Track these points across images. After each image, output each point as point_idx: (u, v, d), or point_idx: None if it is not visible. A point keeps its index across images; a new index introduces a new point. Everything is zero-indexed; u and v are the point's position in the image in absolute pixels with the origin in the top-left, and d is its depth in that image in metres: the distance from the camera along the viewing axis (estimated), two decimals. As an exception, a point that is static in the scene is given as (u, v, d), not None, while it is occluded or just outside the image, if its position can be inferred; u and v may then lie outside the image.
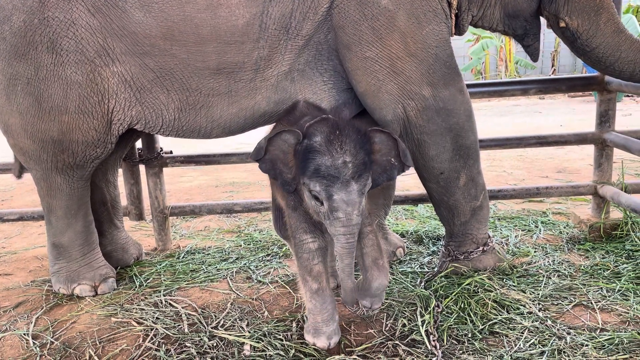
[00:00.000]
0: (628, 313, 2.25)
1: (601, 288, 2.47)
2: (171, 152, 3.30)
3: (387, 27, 2.31)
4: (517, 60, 13.31)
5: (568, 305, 2.34)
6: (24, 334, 2.32)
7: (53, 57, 2.33)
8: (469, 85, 2.95)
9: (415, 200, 3.32)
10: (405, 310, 2.34)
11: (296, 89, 2.45)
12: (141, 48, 2.33)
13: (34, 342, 2.25)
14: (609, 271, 2.64)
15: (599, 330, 2.14)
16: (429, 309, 2.29)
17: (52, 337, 2.28)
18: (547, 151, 5.75)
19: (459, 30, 2.56)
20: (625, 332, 2.10)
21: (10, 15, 2.31)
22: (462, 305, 2.32)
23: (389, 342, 2.12)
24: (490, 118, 9.22)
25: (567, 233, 3.21)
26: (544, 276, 2.61)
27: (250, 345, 2.12)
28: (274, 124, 2.46)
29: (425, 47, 2.35)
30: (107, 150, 2.54)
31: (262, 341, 2.13)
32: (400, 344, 2.10)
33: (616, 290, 2.44)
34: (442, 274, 2.61)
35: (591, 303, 2.34)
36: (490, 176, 4.82)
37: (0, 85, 2.42)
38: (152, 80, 2.39)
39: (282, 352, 2.06)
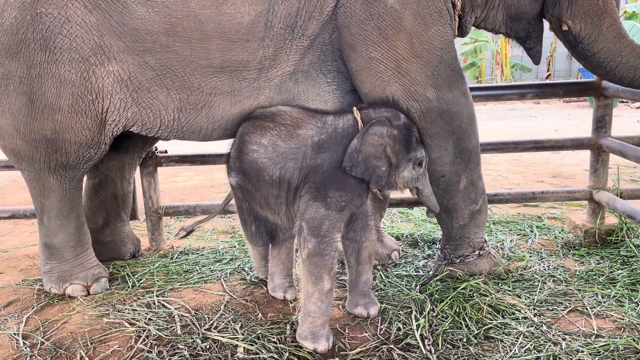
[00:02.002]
0: (623, 319, 2.24)
1: (596, 294, 2.47)
2: (166, 152, 3.28)
3: (394, 27, 2.30)
4: (513, 64, 13.35)
5: (563, 310, 2.33)
6: (14, 334, 2.29)
7: (46, 55, 2.29)
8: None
9: (411, 203, 3.30)
10: (400, 314, 2.32)
11: (299, 90, 2.43)
12: (142, 45, 2.29)
13: (24, 342, 2.22)
14: (604, 277, 2.63)
15: (594, 336, 2.13)
16: (424, 313, 2.28)
17: (42, 337, 2.25)
18: (543, 156, 5.76)
19: (462, 32, 2.56)
20: (620, 338, 2.09)
21: (1, 11, 2.27)
22: (457, 310, 2.31)
23: (383, 346, 2.10)
24: (487, 122, 9.21)
25: (562, 238, 3.21)
26: (539, 281, 2.60)
27: (244, 347, 2.10)
28: (245, 133, 2.31)
29: (431, 48, 2.34)
30: (101, 151, 2.51)
31: (256, 344, 2.11)
32: (395, 348, 2.08)
33: (611, 296, 2.43)
34: (438, 277, 2.60)
35: (586, 309, 2.34)
36: (485, 180, 4.75)
37: None
38: (151, 79, 2.36)
39: (275, 355, 2.04)
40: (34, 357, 2.12)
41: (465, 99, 2.44)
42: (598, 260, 2.84)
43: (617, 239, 3.04)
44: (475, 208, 2.57)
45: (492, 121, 9.27)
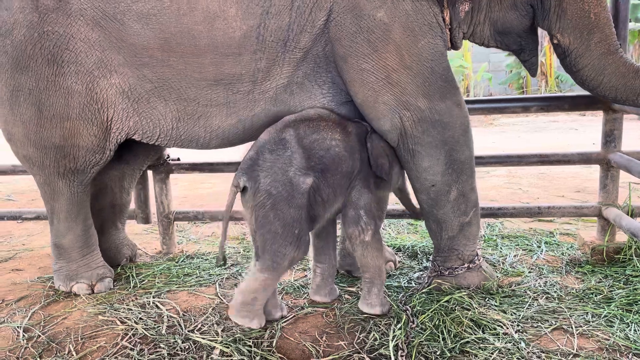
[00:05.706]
0: (608, 340, 2.17)
1: (587, 313, 2.40)
2: (178, 159, 3.43)
3: (383, 39, 2.35)
4: (557, 75, 12.98)
5: (547, 328, 2.28)
6: (17, 327, 2.46)
7: (54, 69, 2.46)
8: (468, 102, 2.94)
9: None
10: (380, 324, 2.34)
11: (295, 102, 2.51)
12: (139, 59, 2.44)
13: (23, 335, 2.38)
14: (601, 295, 2.55)
15: (572, 355, 2.08)
16: (401, 324, 2.29)
17: (40, 331, 2.41)
18: (571, 170, 5.58)
19: (454, 45, 2.57)
20: (598, 359, 2.03)
21: (12, 29, 2.45)
22: (436, 323, 2.31)
23: (355, 355, 2.13)
24: (525, 134, 9.00)
25: (569, 255, 3.12)
26: (530, 297, 2.55)
27: (220, 349, 2.17)
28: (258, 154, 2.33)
29: (421, 59, 2.38)
30: (106, 156, 2.67)
31: (232, 346, 2.19)
32: (367, 357, 2.11)
33: (602, 316, 2.36)
34: (425, 289, 2.60)
35: (571, 327, 2.28)
36: (505, 193, 4.73)
37: (3, 96, 2.56)
38: (149, 91, 2.49)
39: (246, 358, 2.10)
40: (28, 349, 2.27)
41: (458, 110, 2.45)
42: (600, 279, 2.75)
43: (625, 257, 2.93)
44: (465, 220, 2.56)
45: (531, 133, 9.06)
